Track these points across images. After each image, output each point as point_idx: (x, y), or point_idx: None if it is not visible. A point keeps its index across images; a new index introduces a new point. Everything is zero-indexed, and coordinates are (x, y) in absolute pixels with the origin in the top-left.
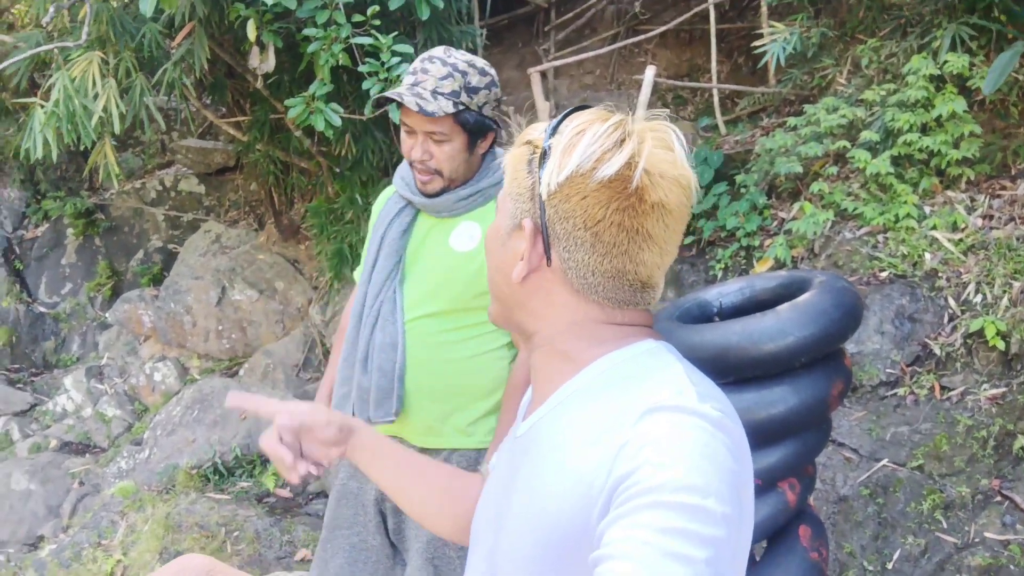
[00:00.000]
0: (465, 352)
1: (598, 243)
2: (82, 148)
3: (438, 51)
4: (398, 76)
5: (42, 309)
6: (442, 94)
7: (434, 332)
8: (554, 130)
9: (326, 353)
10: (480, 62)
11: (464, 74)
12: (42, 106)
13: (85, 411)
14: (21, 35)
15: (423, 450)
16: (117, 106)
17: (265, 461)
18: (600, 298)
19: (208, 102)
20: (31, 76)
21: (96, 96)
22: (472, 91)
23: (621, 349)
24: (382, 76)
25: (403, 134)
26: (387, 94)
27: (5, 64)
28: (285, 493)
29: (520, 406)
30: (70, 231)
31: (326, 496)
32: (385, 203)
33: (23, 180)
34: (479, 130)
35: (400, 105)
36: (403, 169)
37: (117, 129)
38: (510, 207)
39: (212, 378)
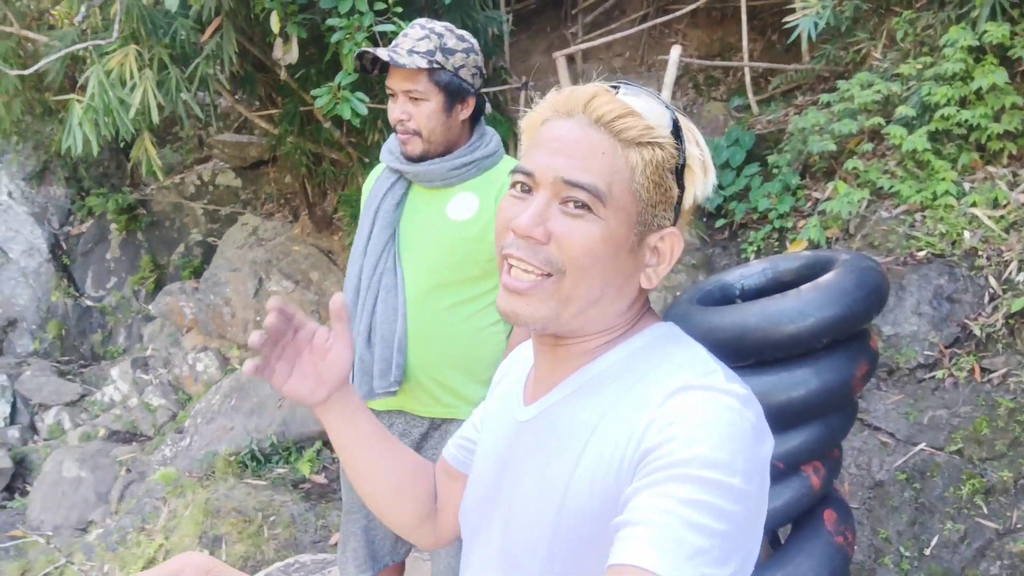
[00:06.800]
0: (467, 325)
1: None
2: (122, 144)
3: (421, 20)
4: None
5: (89, 303)
6: (417, 52)
7: (437, 305)
8: (679, 133)
9: None
10: (462, 31)
11: (440, 36)
12: (79, 101)
13: (131, 401)
14: (56, 34)
15: (431, 421)
16: (155, 96)
17: (301, 448)
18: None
19: (241, 96)
20: (71, 75)
21: (133, 88)
22: (448, 52)
23: (638, 335)
24: None
25: (389, 102)
26: (364, 49)
27: (40, 64)
28: (320, 479)
29: (515, 392)
30: (113, 226)
31: None
32: (376, 180)
33: (68, 178)
34: (456, 92)
35: (388, 76)
36: (391, 142)
37: (156, 119)
38: (646, 215)
39: None
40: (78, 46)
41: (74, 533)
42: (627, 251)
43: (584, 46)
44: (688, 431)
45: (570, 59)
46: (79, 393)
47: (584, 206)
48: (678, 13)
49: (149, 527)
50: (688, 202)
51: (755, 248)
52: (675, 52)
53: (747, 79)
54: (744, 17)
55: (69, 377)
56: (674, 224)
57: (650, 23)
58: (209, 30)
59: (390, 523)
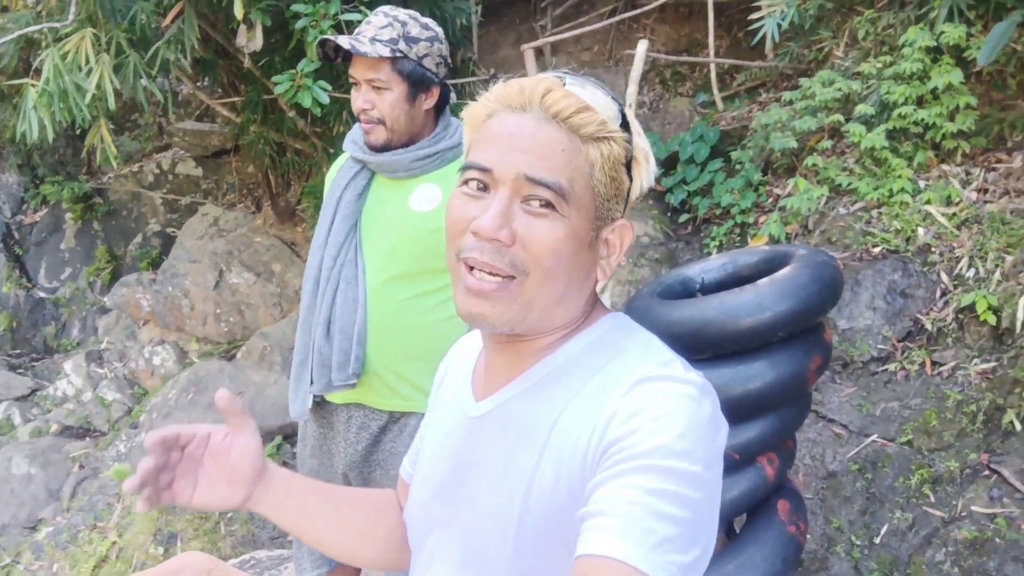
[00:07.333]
0: (428, 317)
1: None
2: (79, 131)
3: (385, 7)
4: None
5: (42, 294)
6: (380, 40)
7: (397, 296)
8: (627, 126)
9: None
10: (427, 20)
11: (404, 24)
12: (34, 86)
13: (85, 395)
14: (10, 15)
15: (390, 415)
16: (111, 81)
17: None
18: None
19: (203, 83)
20: (25, 58)
21: (90, 72)
22: (411, 40)
23: (590, 327)
24: None
25: (352, 91)
26: (326, 37)
27: None
28: None
29: (462, 388)
30: (69, 215)
31: None
32: (339, 170)
33: (21, 165)
34: (419, 81)
35: (351, 64)
36: (354, 132)
37: (112, 105)
38: (602, 209)
39: (208, 361)
40: (32, 28)
41: (23, 532)
42: (587, 247)
43: (553, 39)
44: (651, 422)
45: (538, 52)
46: (30, 387)
47: (548, 204)
48: (646, 8)
49: (102, 525)
50: (635, 193)
51: (717, 243)
52: (642, 47)
53: (713, 75)
54: (711, 14)
55: (20, 371)
56: (623, 215)
57: (619, 17)
58: (171, 15)
59: (375, 568)
